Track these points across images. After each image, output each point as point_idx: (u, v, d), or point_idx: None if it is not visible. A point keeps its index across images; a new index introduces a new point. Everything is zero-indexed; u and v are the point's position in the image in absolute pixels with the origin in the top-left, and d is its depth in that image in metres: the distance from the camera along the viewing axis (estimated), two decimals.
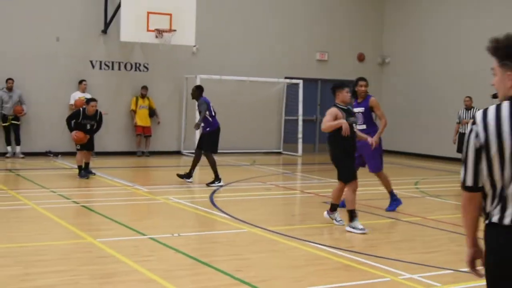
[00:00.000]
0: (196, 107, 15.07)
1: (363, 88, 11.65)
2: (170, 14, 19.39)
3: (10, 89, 18.40)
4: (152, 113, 20.62)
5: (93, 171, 15.24)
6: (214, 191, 13.31)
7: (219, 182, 14.09)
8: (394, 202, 11.47)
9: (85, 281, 6.77)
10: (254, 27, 22.57)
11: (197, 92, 14.69)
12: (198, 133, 20.59)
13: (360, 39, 24.57)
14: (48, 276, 6.93)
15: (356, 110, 11.34)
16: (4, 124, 18.39)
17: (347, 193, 9.55)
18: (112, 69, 20.54)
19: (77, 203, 11.67)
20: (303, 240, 8.92)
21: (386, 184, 11.46)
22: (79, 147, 14.88)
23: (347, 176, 9.62)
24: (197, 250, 8.25)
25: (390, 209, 11.34)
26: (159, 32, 19.14)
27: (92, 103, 14.95)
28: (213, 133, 14.33)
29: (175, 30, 19.24)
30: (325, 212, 9.95)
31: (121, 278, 6.99)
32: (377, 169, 11.37)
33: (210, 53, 21.69)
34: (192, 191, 13.86)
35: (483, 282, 7.09)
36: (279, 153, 22.90)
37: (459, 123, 18.14)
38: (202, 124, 14.39)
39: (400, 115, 23.53)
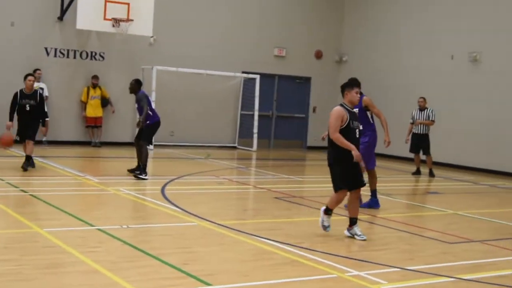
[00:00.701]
0: (135, 102, 14.72)
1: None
2: (128, 4, 19.24)
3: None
4: (105, 102, 20.40)
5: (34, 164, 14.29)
6: (166, 184, 13.22)
7: (146, 175, 13.72)
8: (374, 200, 11.65)
9: (28, 271, 6.65)
10: (212, 20, 22.48)
11: (136, 85, 14.24)
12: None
13: (319, 36, 24.66)
14: None
15: None
16: None
17: (334, 195, 8.98)
18: (68, 57, 20.29)
19: (25, 192, 11.49)
20: (253, 235, 8.90)
21: (374, 182, 11.64)
22: (18, 139, 14.13)
23: (339, 183, 8.93)
24: (145, 243, 8.17)
25: (365, 205, 11.34)
26: (116, 21, 18.97)
27: (29, 77, 14.11)
28: (154, 125, 14.23)
29: (132, 20, 19.10)
30: (345, 231, 9.15)
31: (66, 268, 6.89)
32: (373, 165, 11.52)
33: (168, 45, 21.55)
34: (144, 183, 13.71)
35: (429, 280, 7.19)
36: (234, 147, 22.88)
37: (412, 123, 18.29)
38: (138, 117, 14.23)
39: None
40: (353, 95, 9.11)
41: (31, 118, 13.97)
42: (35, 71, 19.28)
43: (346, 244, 8.74)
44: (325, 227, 9.08)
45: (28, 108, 13.85)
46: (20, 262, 6.93)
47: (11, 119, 14.09)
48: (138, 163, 14.02)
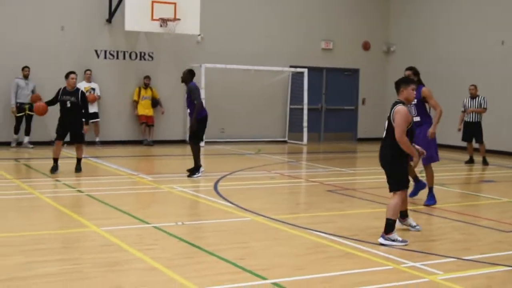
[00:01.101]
0: (185, 93, 14.04)
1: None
2: (175, 3, 19.36)
3: (26, 77, 18.33)
4: (155, 103, 20.61)
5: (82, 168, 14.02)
6: (218, 180, 13.31)
7: (199, 173, 13.66)
8: (432, 197, 11.21)
9: (88, 269, 6.78)
10: (259, 16, 22.53)
11: (189, 75, 13.82)
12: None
13: (366, 27, 24.52)
14: (50, 264, 6.93)
15: None
16: (19, 114, 18.22)
17: (393, 200, 8.34)
18: (117, 58, 20.54)
19: (82, 192, 11.69)
20: (306, 228, 8.91)
21: (430, 179, 11.21)
22: (55, 137, 13.94)
23: (399, 184, 8.44)
24: (200, 239, 8.25)
25: (428, 203, 11.04)
26: (164, 21, 19.12)
27: (71, 75, 13.81)
28: (202, 119, 13.74)
29: (179, 19, 19.22)
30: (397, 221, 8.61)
31: (124, 266, 6.99)
32: (431, 160, 11.00)
33: (215, 42, 21.66)
34: (197, 180, 13.83)
35: (485, 270, 7.11)
36: (284, 141, 22.89)
37: (464, 111, 18.07)
38: (189, 111, 13.89)
39: None
40: (409, 92, 8.64)
41: (72, 116, 13.71)
42: (86, 71, 19.65)
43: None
44: (415, 227, 8.95)
45: (68, 105, 13.64)
46: (79, 261, 7.07)
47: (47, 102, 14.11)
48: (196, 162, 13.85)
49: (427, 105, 11.09)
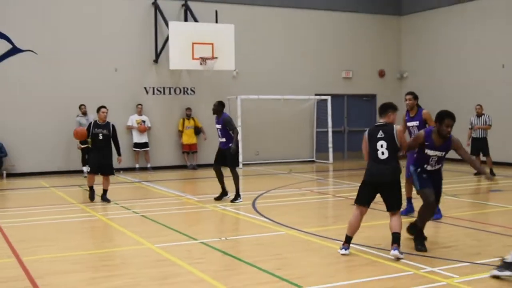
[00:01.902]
0: (217, 124, 13.10)
1: (408, 102, 10.83)
2: (212, 44, 19.48)
3: (85, 113, 18.51)
4: (198, 131, 20.75)
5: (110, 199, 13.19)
6: (256, 198, 13.32)
7: (240, 199, 12.88)
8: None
9: (145, 282, 6.84)
10: (285, 51, 22.61)
11: (220, 107, 13.06)
12: (240, 146, 20.82)
13: (380, 57, 24.46)
14: (112, 279, 7.02)
15: (410, 124, 10.85)
16: (83, 146, 18.20)
17: (399, 217, 7.96)
18: (164, 93, 20.74)
19: (137, 213, 11.79)
20: (335, 239, 8.89)
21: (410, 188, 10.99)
22: (88, 169, 13.30)
23: (401, 201, 8.12)
24: (241, 252, 8.27)
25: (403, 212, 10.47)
26: (203, 60, 19.25)
27: (102, 109, 13.23)
28: (236, 148, 13.01)
29: (217, 58, 19.33)
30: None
31: (176, 279, 7.05)
32: None
33: (249, 76, 21.78)
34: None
35: None
36: (313, 161, 22.85)
37: (471, 128, 17.93)
38: (224, 140, 12.95)
39: None
40: (395, 116, 8.28)
41: (104, 148, 13.05)
42: (137, 105, 19.89)
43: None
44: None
45: (100, 137, 12.99)
46: (136, 275, 7.13)
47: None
48: (223, 188, 13.20)
49: (427, 126, 10.84)
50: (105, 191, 13.10)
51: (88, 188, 13.33)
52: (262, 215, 11.15)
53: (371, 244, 8.54)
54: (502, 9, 20.71)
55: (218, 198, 13.07)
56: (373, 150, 8.09)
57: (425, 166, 8.40)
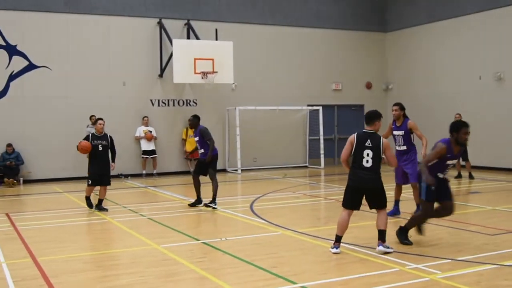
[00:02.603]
0: (195, 136, 12.71)
1: (395, 112, 10.62)
2: (213, 59, 19.51)
3: (94, 123, 18.42)
4: None
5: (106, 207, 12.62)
6: (253, 201, 13.30)
7: (215, 203, 12.43)
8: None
9: (151, 280, 6.82)
10: (280, 65, 22.64)
11: (196, 120, 12.66)
12: (239, 153, 20.83)
13: (367, 70, 24.50)
14: (122, 277, 7.00)
15: (396, 133, 10.76)
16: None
17: (385, 214, 8.09)
18: (168, 105, 20.73)
19: (144, 216, 11.76)
20: (327, 239, 8.88)
21: (416, 195, 10.45)
22: (90, 183, 12.38)
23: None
24: (241, 251, 8.24)
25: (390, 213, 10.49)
26: (204, 74, 19.26)
27: (99, 121, 12.56)
28: (216, 157, 12.61)
29: (217, 72, 19.35)
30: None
31: (180, 277, 7.03)
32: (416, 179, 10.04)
33: (246, 89, 21.80)
34: (236, 202, 13.86)
35: (475, 268, 7.02)
36: (306, 166, 22.82)
37: None
38: (202, 150, 12.48)
39: None
40: (380, 124, 8.28)
41: (103, 159, 12.43)
42: (144, 117, 19.89)
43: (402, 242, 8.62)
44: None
45: (100, 148, 12.33)
46: (144, 274, 7.11)
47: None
48: (198, 196, 12.66)
49: (412, 135, 10.84)
50: (101, 200, 12.51)
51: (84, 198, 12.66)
52: (259, 217, 11.12)
53: (360, 243, 8.52)
54: (477, 25, 20.75)
55: (192, 205, 12.63)
56: (358, 157, 8.05)
57: (438, 174, 8.25)
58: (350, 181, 8.16)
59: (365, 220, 10.34)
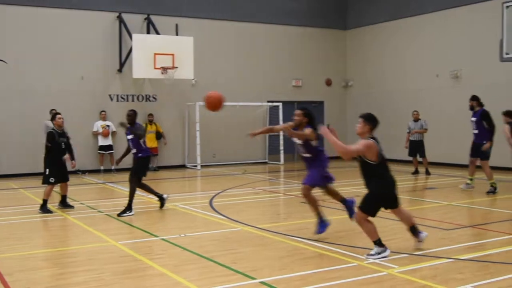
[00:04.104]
0: (128, 135, 11.81)
1: (297, 118, 9.22)
2: (173, 54, 19.42)
3: (53, 118, 17.97)
4: (159, 135, 20.59)
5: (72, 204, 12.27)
6: (213, 197, 13.27)
7: (131, 212, 11.19)
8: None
9: (109, 277, 6.74)
10: (241, 61, 22.65)
11: (134, 116, 11.74)
12: (198, 149, 20.75)
13: (328, 67, 24.69)
14: (78, 274, 6.90)
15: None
16: None
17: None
18: (127, 100, 20.52)
19: (102, 212, 11.62)
20: (286, 234, 8.91)
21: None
22: (53, 180, 11.66)
23: None
24: (200, 247, 8.20)
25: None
26: (164, 69, 19.16)
27: (58, 116, 11.94)
28: (145, 159, 11.87)
29: (177, 67, 19.27)
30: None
31: (138, 273, 6.97)
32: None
33: (207, 84, 21.65)
34: (195, 198, 13.81)
35: (431, 262, 7.13)
36: (265, 162, 22.89)
37: (409, 132, 18.22)
38: (135, 151, 11.72)
39: None
40: None
41: (63, 155, 11.97)
42: (101, 112, 19.65)
43: (361, 237, 8.70)
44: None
45: (63, 146, 11.86)
46: (101, 271, 7.02)
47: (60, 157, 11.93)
48: (156, 194, 12.04)
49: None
50: (65, 196, 12.11)
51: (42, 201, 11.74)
52: (219, 213, 11.11)
53: (319, 238, 8.57)
54: (436, 24, 21.11)
55: (161, 206, 11.92)
56: (385, 163, 7.80)
57: None
58: (384, 187, 7.70)
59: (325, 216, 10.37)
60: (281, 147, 22.35)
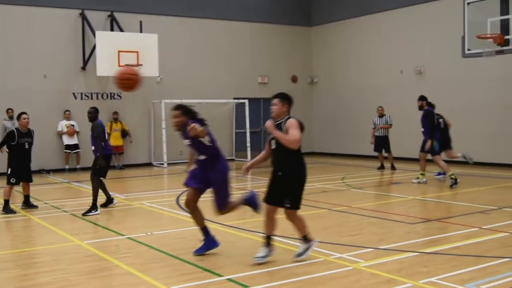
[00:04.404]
0: (91, 131, 11.73)
1: (175, 119, 7.87)
2: (137, 52, 19.28)
3: (11, 117, 17.80)
4: (124, 133, 20.40)
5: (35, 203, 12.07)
6: (179, 195, 13.20)
7: (96, 211, 11.02)
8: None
9: (74, 277, 6.66)
10: (206, 59, 22.56)
11: (95, 113, 11.83)
12: (164, 147, 20.62)
13: (293, 64, 24.76)
14: (43, 275, 6.79)
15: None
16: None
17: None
18: (91, 99, 20.27)
19: (66, 212, 11.47)
20: (253, 231, 8.92)
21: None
22: (14, 181, 11.43)
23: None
24: (166, 246, 8.15)
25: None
26: (128, 67, 18.98)
27: (23, 116, 11.58)
28: (106, 157, 11.48)
29: (141, 64, 19.11)
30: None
31: (104, 273, 6.90)
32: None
33: (172, 82, 21.60)
34: (162, 196, 13.72)
35: (397, 256, 7.21)
36: (232, 159, 22.87)
37: (374, 128, 18.39)
38: (93, 148, 11.54)
39: (327, 122, 23.80)
40: None
41: (28, 157, 11.71)
42: (65, 111, 19.38)
43: (328, 232, 8.76)
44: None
45: (27, 146, 11.53)
46: (67, 271, 6.93)
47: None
48: (107, 196, 11.85)
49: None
50: (28, 196, 11.84)
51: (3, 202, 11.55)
52: (185, 211, 11.02)
53: (287, 234, 8.59)
54: (400, 20, 21.34)
55: (104, 205, 11.77)
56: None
57: None
58: (302, 174, 7.13)
59: None
60: (248, 144, 22.35)
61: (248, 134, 22.45)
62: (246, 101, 22.60)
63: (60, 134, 19.41)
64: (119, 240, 8.68)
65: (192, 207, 7.86)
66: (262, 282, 6.30)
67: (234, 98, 22.92)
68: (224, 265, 7.01)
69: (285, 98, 7.44)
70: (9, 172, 11.58)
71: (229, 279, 6.39)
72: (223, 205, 7.77)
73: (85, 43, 19.89)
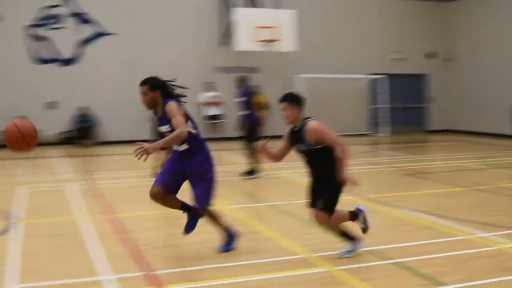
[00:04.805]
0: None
1: (145, 97, 6.35)
2: (275, 27, 19.51)
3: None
4: (265, 106, 20.66)
5: None
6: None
7: (254, 174, 11.89)
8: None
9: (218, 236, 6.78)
10: (342, 35, 22.47)
11: (245, 81, 12.62)
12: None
13: (429, 39, 24.03)
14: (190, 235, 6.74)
15: None
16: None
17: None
18: (230, 73, 20.77)
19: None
20: (392, 205, 8.78)
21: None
22: None
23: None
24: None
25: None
26: (267, 42, 19.28)
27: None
28: (256, 124, 12.50)
29: (279, 40, 19.34)
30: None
31: (250, 236, 7.04)
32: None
33: (308, 57, 21.65)
34: (299, 167, 13.72)
35: None
36: (366, 134, 22.57)
37: None
38: (244, 113, 12.41)
39: (464, 100, 22.92)
40: None
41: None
42: (208, 83, 19.90)
43: (469, 211, 8.45)
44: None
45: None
46: (212, 233, 6.74)
47: None
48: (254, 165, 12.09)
49: None
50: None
51: None
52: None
53: (424, 210, 8.39)
54: None
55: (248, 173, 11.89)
56: None
57: None
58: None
59: (425, 189, 10.18)
60: (384, 120, 21.97)
61: (384, 110, 22.06)
62: (381, 77, 22.22)
63: (202, 105, 19.94)
64: (261, 207, 8.87)
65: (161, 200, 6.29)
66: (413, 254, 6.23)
67: (369, 74, 22.59)
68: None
69: (293, 100, 6.24)
70: None
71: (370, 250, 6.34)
72: (204, 202, 6.20)
73: (225, 19, 20.41)
